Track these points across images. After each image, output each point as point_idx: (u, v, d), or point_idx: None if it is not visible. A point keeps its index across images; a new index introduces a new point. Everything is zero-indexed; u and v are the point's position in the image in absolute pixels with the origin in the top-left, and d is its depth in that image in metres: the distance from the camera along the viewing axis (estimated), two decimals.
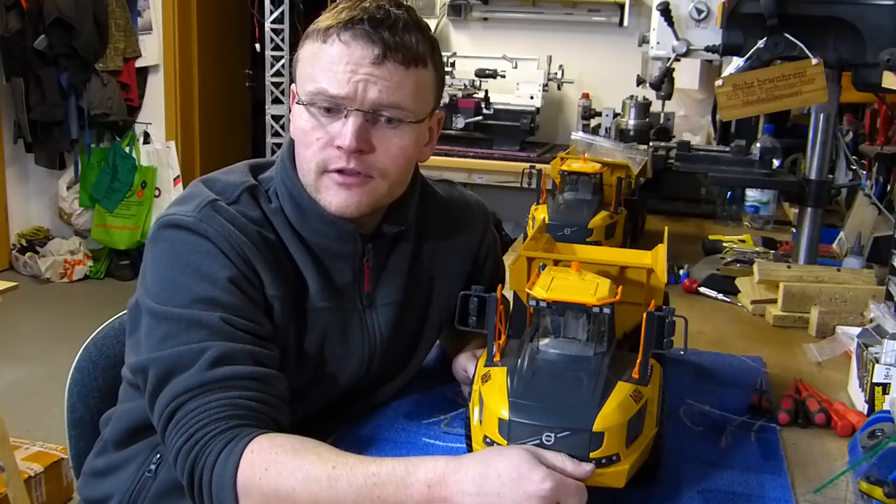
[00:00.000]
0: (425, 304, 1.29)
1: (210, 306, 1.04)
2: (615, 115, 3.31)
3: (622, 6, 3.91)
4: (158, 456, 1.19)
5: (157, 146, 5.12)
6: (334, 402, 1.22)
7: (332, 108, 1.08)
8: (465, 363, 1.26)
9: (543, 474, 0.85)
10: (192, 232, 1.08)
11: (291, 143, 1.17)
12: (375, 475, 0.88)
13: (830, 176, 2.11)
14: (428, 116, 1.15)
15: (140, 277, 1.12)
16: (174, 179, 5.05)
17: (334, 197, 1.11)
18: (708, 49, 1.96)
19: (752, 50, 1.66)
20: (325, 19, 1.10)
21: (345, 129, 1.07)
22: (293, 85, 1.16)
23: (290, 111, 1.18)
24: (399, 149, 1.11)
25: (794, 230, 2.02)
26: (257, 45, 4.78)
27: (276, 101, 4.74)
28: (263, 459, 0.93)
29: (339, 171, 1.10)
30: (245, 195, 1.14)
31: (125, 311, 1.19)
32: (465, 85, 3.69)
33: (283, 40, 4.65)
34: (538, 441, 0.91)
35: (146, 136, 5.14)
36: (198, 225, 1.08)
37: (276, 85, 4.73)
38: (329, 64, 1.07)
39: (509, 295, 1.18)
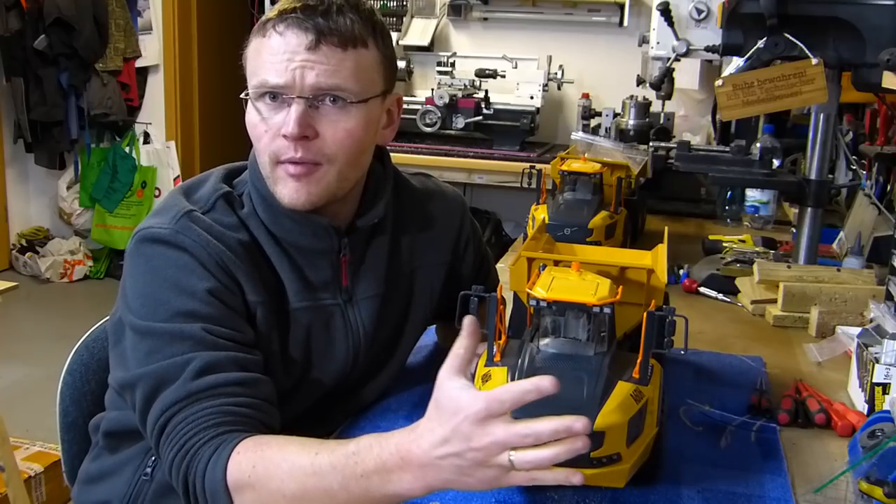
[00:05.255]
0: (407, 297, 1.30)
1: (191, 318, 1.05)
2: (615, 115, 3.30)
3: (622, 6, 3.90)
4: (154, 459, 1.18)
5: (157, 146, 5.11)
6: (323, 400, 1.23)
7: (276, 99, 1.09)
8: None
9: (464, 401, 0.84)
10: (169, 245, 1.08)
11: None
12: (355, 454, 0.89)
13: (830, 176, 2.11)
14: (379, 97, 1.15)
15: (120, 291, 1.13)
16: (174, 179, 5.04)
17: (284, 188, 1.12)
18: (708, 49, 1.96)
19: (752, 50, 1.66)
20: (265, 16, 1.12)
21: (288, 118, 1.08)
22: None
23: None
24: (345, 131, 1.11)
25: (794, 230, 2.02)
26: None
27: None
28: (249, 458, 0.94)
29: (290, 162, 1.10)
30: (220, 202, 1.14)
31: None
32: (465, 85, 3.68)
33: None
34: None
35: (146, 136, 5.12)
36: (174, 237, 1.08)
37: None
38: (268, 56, 1.08)
39: (509, 295, 1.18)
